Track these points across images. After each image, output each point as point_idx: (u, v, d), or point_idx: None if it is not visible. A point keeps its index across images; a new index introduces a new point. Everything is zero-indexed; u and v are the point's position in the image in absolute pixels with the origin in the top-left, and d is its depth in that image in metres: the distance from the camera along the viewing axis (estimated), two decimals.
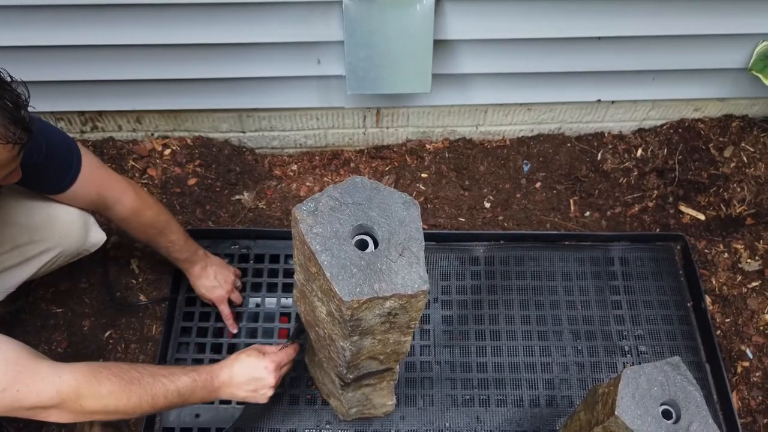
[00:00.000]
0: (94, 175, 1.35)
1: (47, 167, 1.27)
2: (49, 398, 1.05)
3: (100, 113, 1.89)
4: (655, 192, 1.96)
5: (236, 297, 1.72)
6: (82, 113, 1.89)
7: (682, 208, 1.94)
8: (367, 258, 0.97)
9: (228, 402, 1.60)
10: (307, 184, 1.97)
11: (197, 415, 1.59)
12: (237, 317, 1.73)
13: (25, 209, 1.36)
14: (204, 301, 1.71)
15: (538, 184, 1.98)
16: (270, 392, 1.30)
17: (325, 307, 1.06)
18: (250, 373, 1.27)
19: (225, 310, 1.69)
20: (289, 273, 1.81)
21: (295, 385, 1.64)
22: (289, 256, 1.84)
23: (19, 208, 1.35)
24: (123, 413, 1.13)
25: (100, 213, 1.46)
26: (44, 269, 1.43)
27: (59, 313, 1.71)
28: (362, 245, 1.00)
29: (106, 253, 1.79)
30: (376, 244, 1.00)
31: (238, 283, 1.75)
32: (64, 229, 1.40)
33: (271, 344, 1.40)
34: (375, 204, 1.02)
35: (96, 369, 1.10)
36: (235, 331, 1.72)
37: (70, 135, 1.94)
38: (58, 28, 1.57)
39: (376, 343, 1.11)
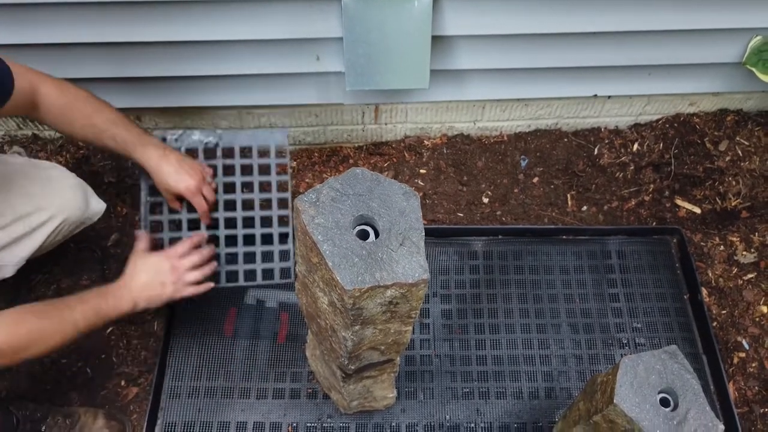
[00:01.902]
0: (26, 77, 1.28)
1: None
2: None
3: None
4: (652, 186, 1.97)
5: (209, 193, 1.50)
6: None
7: (678, 201, 1.96)
8: (368, 248, 0.98)
9: (230, 397, 1.61)
10: (306, 180, 1.98)
11: (199, 410, 1.60)
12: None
13: (21, 179, 1.38)
14: (170, 205, 1.51)
15: (535, 179, 1.99)
16: (176, 283, 1.37)
17: (326, 298, 1.07)
18: (150, 272, 1.35)
19: (200, 201, 1.48)
20: None
21: (297, 380, 1.65)
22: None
23: (15, 178, 1.38)
24: (53, 348, 1.22)
25: (31, 113, 1.32)
26: (50, 240, 1.44)
27: None
28: (363, 235, 1.02)
29: (106, 251, 1.80)
30: (376, 234, 1.02)
31: (209, 178, 1.53)
32: (63, 195, 1.42)
33: None
34: (375, 195, 1.03)
35: (21, 315, 1.18)
36: (208, 223, 1.54)
37: None
38: (55, 27, 1.58)
39: (378, 333, 1.12)
